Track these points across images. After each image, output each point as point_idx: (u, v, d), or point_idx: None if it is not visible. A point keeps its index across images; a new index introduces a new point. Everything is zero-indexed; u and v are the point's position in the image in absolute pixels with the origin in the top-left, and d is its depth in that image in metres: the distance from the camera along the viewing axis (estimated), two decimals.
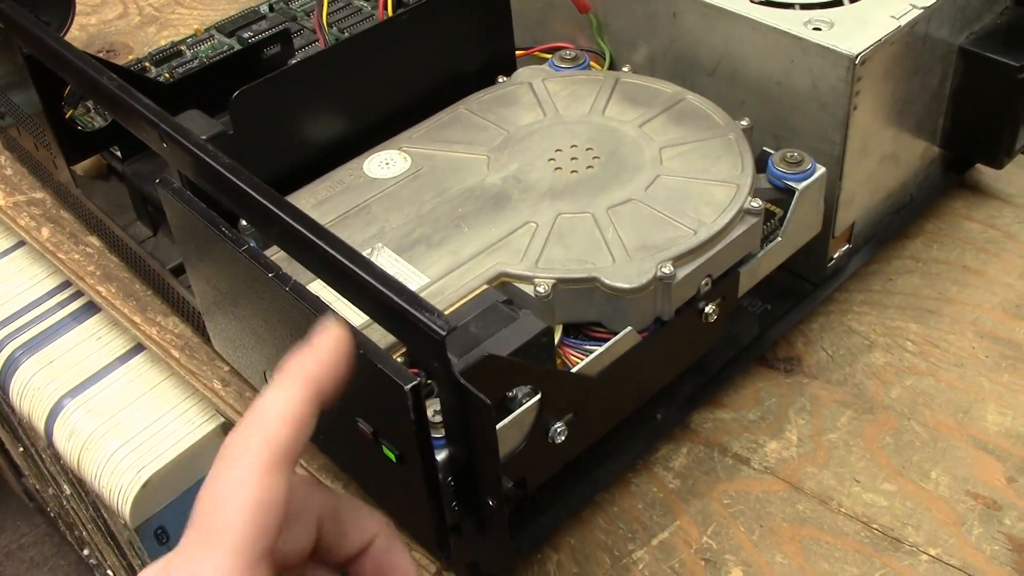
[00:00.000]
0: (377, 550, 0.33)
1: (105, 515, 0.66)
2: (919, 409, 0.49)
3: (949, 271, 0.56)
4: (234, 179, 0.39)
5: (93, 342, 0.58)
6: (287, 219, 0.37)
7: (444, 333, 0.32)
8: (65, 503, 0.81)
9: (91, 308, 0.60)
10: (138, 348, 0.57)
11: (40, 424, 0.56)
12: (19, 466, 0.96)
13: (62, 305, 0.61)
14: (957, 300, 0.54)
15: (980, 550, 0.44)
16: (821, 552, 0.44)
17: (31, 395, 0.57)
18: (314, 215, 0.44)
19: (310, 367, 0.30)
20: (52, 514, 1.00)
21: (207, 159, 0.40)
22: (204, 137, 0.43)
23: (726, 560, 0.44)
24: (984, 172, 0.60)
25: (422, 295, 0.41)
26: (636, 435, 0.47)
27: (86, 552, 0.93)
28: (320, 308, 0.39)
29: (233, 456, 0.28)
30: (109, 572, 0.86)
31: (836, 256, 0.53)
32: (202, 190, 0.42)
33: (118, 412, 0.54)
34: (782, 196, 0.47)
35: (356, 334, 0.35)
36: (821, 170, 0.47)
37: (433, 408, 0.37)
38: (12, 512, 1.29)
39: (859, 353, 0.52)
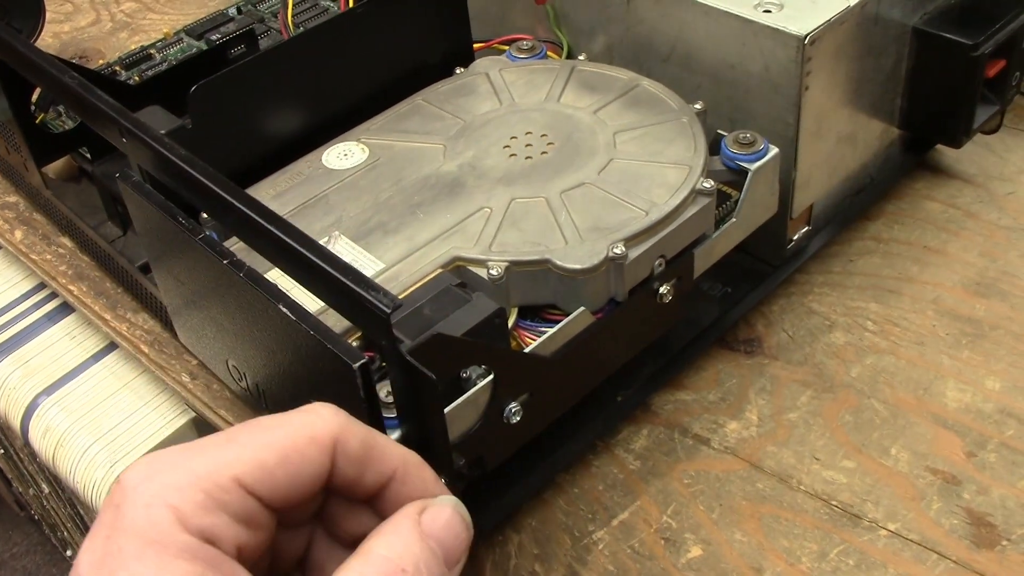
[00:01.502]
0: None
1: (82, 511, 0.67)
2: (879, 387, 0.50)
3: (910, 251, 0.56)
4: (190, 170, 0.40)
5: (67, 341, 0.59)
6: (240, 207, 0.38)
7: (389, 311, 0.33)
8: (45, 503, 0.81)
9: (66, 309, 0.61)
10: (112, 346, 0.58)
11: (16, 423, 0.57)
12: (5, 473, 0.96)
13: (37, 306, 0.61)
14: (918, 279, 0.55)
15: (939, 524, 0.44)
16: (780, 529, 0.44)
17: (7, 394, 0.57)
18: (274, 206, 0.45)
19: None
20: (36, 517, 1.01)
21: (165, 152, 0.41)
22: (163, 132, 0.44)
23: (686, 539, 0.44)
24: (944, 152, 0.61)
25: (378, 280, 0.42)
26: (597, 417, 0.48)
27: (69, 553, 0.94)
28: (275, 293, 0.40)
29: None
30: None
31: (796, 238, 0.53)
32: (164, 185, 0.42)
33: (92, 408, 0.55)
34: (736, 178, 0.47)
35: (308, 317, 0.36)
36: (774, 151, 0.47)
37: (385, 389, 0.37)
38: (4, 522, 1.29)
39: (819, 333, 0.52)
